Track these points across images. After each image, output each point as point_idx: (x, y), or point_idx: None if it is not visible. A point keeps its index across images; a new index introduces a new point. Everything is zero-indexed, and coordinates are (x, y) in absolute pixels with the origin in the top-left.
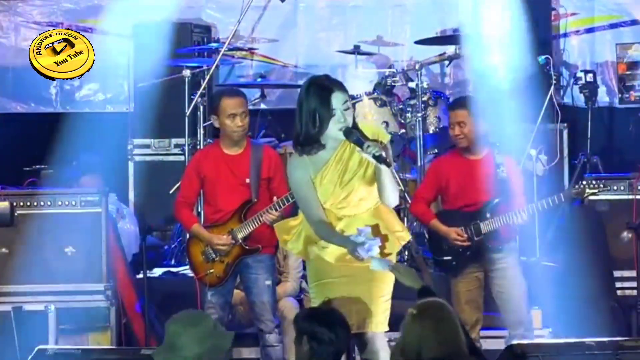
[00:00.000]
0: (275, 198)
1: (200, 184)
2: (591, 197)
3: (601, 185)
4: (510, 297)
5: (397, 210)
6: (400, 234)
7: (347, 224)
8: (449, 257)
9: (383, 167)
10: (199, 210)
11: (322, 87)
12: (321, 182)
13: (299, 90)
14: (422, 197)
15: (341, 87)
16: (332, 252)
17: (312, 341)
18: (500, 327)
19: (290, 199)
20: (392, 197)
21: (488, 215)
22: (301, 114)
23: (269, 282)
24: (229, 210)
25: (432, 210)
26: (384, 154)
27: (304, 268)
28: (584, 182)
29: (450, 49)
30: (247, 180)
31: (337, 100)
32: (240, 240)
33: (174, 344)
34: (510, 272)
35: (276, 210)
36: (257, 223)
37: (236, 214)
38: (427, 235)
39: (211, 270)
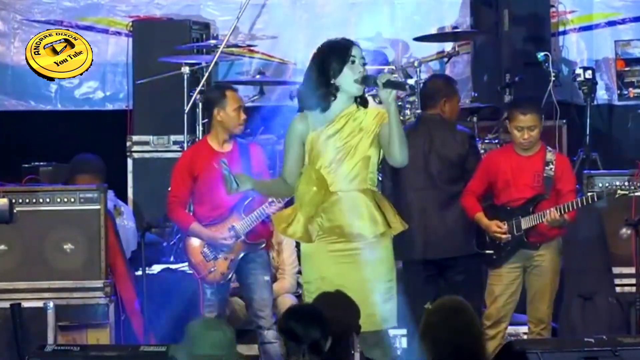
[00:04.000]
0: None
1: (193, 183)
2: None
3: (632, 187)
4: (539, 295)
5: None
6: (395, 225)
7: (337, 200)
8: (491, 251)
9: (393, 108)
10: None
11: (341, 41)
12: (319, 139)
13: (297, 87)
14: (472, 190)
15: (359, 45)
16: (322, 232)
17: (288, 341)
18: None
19: None
20: (401, 152)
21: (530, 211)
22: (316, 64)
23: (267, 278)
24: (227, 207)
25: (480, 204)
26: (392, 77)
27: (299, 263)
28: (617, 182)
29: (449, 46)
30: None
31: (356, 51)
32: (242, 236)
33: (191, 338)
34: (544, 270)
35: (279, 202)
36: (259, 217)
37: (235, 210)
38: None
39: (214, 268)
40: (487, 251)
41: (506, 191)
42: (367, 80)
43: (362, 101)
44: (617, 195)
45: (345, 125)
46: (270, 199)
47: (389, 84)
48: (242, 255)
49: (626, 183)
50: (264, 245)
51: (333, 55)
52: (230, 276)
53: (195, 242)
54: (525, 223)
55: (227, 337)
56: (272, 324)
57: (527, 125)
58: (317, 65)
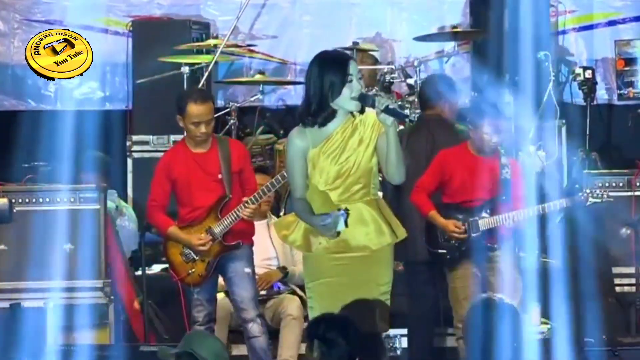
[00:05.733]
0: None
1: (171, 186)
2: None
3: (605, 196)
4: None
5: None
6: (399, 232)
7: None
8: (444, 251)
9: (391, 132)
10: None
11: (338, 57)
12: (320, 156)
13: (296, 86)
14: (423, 187)
15: (354, 59)
16: (327, 247)
17: (322, 346)
18: None
19: (266, 191)
20: (398, 171)
21: (488, 212)
22: (313, 83)
23: (248, 270)
24: (205, 209)
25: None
26: (397, 107)
27: None
28: (588, 190)
29: (449, 46)
30: (220, 176)
31: (353, 68)
32: (219, 238)
33: (192, 341)
34: (504, 271)
35: (253, 203)
36: (235, 219)
37: (212, 211)
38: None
39: (192, 270)
40: (440, 250)
41: (462, 191)
42: (365, 100)
43: (371, 105)
44: (588, 203)
45: (345, 140)
46: (245, 199)
47: (388, 111)
48: (220, 257)
49: (598, 191)
50: (241, 245)
51: (330, 75)
52: (209, 277)
53: (175, 244)
54: (484, 224)
55: (225, 351)
56: (256, 316)
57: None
58: (314, 85)
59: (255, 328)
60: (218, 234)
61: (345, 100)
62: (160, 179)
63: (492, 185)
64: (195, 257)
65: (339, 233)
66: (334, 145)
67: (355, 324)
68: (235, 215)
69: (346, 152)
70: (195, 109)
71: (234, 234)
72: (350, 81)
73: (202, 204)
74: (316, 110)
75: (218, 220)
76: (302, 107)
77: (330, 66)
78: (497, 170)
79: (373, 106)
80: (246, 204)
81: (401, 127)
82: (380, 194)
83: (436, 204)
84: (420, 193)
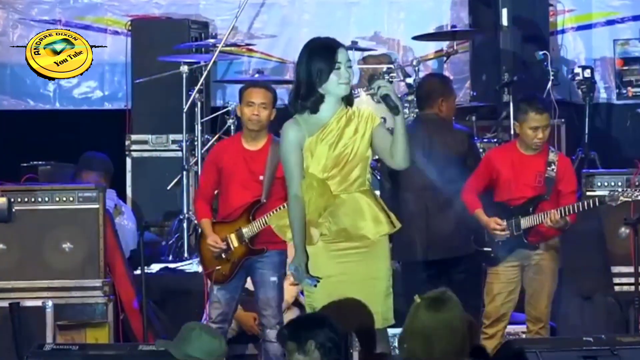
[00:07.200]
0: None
1: (218, 177)
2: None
3: (636, 192)
4: (537, 294)
5: None
6: (395, 222)
7: (341, 202)
8: (489, 249)
9: (399, 119)
10: None
11: (326, 44)
12: (318, 144)
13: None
14: (472, 186)
15: (344, 47)
16: (327, 235)
17: (320, 347)
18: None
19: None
20: (405, 157)
21: (530, 211)
22: (302, 69)
23: (274, 279)
24: (240, 207)
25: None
26: (392, 96)
27: None
28: (620, 189)
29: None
30: (261, 178)
31: (342, 55)
32: (246, 240)
33: (185, 337)
34: (542, 269)
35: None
36: (264, 224)
37: (245, 212)
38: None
39: (218, 268)
40: (485, 248)
41: (507, 189)
42: (371, 82)
43: (348, 101)
44: (619, 202)
45: (341, 129)
46: (278, 206)
47: (384, 99)
48: (245, 260)
49: (629, 189)
50: (266, 250)
51: (318, 62)
52: (232, 278)
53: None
54: (525, 223)
55: (222, 348)
56: (276, 324)
57: (543, 124)
58: (302, 72)
59: (272, 334)
60: (246, 237)
61: (333, 85)
62: (208, 168)
63: (536, 183)
64: (222, 255)
65: (299, 278)
66: (330, 132)
67: (331, 317)
68: (264, 220)
69: (343, 139)
70: (250, 90)
71: (262, 238)
72: (338, 68)
73: (236, 202)
74: (304, 95)
75: (249, 222)
76: (292, 92)
77: (319, 53)
78: (543, 168)
79: (372, 87)
80: (279, 209)
81: None
82: (378, 193)
83: (488, 203)
84: (469, 192)
